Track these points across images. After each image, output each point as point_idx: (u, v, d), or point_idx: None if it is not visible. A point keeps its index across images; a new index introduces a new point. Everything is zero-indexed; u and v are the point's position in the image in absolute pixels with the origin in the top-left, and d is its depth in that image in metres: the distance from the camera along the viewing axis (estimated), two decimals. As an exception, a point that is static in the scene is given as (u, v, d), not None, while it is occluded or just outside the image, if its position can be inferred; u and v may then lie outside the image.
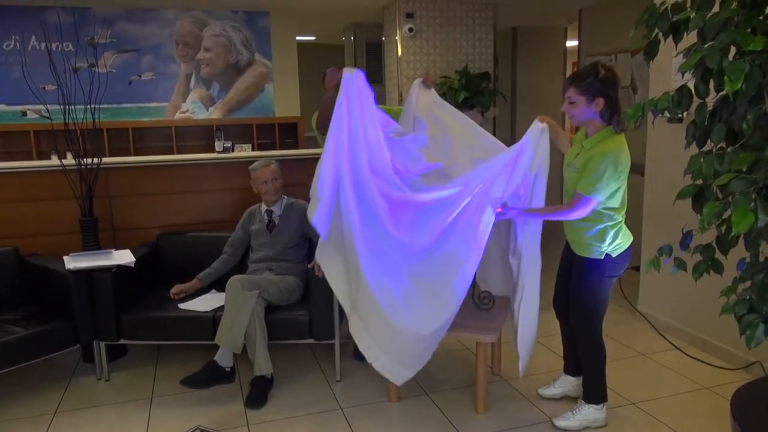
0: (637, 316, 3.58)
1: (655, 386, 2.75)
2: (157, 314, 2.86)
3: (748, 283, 1.24)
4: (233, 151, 5.74)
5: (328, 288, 2.63)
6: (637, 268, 3.66)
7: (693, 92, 1.26)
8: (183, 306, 2.90)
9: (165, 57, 5.78)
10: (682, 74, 1.23)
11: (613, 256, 2.21)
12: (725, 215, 1.19)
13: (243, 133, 6.03)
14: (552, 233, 2.67)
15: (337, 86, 2.20)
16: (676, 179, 3.21)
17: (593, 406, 2.36)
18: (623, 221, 2.23)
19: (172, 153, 5.57)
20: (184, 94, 5.88)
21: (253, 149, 5.91)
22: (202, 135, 5.91)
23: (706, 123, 1.25)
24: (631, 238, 2.29)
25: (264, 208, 3.13)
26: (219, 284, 3.10)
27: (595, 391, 2.35)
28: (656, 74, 3.32)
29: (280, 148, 5.98)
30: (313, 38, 8.89)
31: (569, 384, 2.60)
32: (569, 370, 2.60)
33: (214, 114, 6.03)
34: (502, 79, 7.65)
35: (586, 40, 5.55)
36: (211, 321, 2.77)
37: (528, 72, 7.68)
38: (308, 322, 2.77)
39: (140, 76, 5.71)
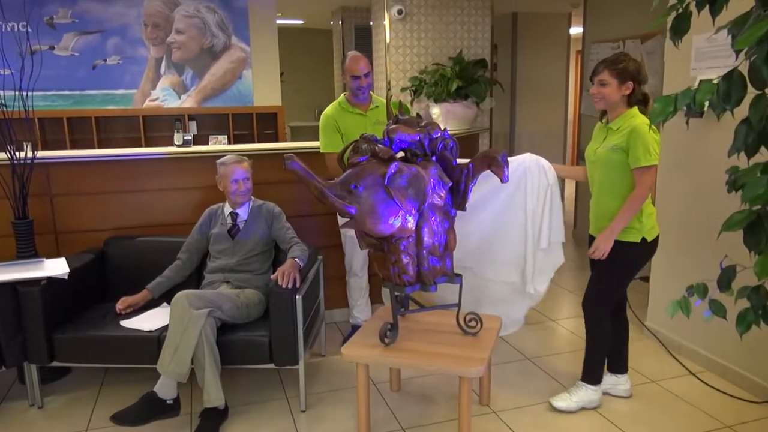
0: (645, 332, 3.27)
1: (667, 422, 2.43)
2: (95, 334, 2.53)
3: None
4: (209, 143, 5.41)
5: (292, 304, 2.30)
6: (647, 279, 3.34)
7: (747, 80, 0.93)
8: (126, 324, 2.57)
9: (132, 39, 5.42)
10: (736, 54, 0.90)
11: (649, 240, 2.30)
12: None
13: (218, 123, 5.69)
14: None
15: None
16: (692, 185, 2.91)
17: (590, 387, 2.47)
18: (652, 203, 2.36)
19: (140, 145, 5.23)
20: (153, 80, 5.53)
21: (229, 141, 5.59)
22: (175, 125, 5.55)
23: (765, 123, 0.92)
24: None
25: (228, 209, 2.80)
26: (172, 295, 2.79)
27: (593, 372, 2.47)
28: (673, 62, 2.99)
29: (258, 140, 5.64)
30: (301, 22, 8.53)
31: (609, 383, 2.60)
32: (615, 368, 2.60)
33: (186, 102, 5.67)
34: (502, 67, 7.31)
35: (591, 26, 5.20)
36: (156, 342, 2.45)
37: (529, 60, 7.36)
38: (268, 344, 2.44)
39: (105, 60, 5.36)
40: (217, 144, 5.44)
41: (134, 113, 5.37)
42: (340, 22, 7.11)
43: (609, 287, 2.38)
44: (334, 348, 3.07)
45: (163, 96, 5.58)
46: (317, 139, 3.06)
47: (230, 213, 2.80)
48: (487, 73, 5.21)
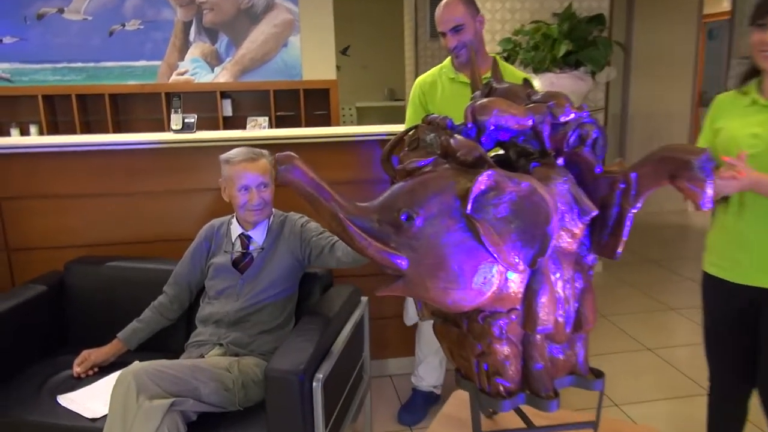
0: None
1: None
2: (19, 416, 1.79)
3: None
4: (246, 127, 4.68)
5: (303, 396, 1.48)
6: None
7: None
8: (65, 402, 1.83)
9: (156, 1, 4.73)
10: None
11: None
12: None
13: (258, 101, 4.99)
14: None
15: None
16: None
17: None
18: None
19: (163, 129, 4.58)
20: (181, 49, 4.90)
21: (270, 124, 4.83)
22: (206, 104, 4.87)
23: None
24: None
25: (237, 229, 2.00)
26: (154, 346, 2.12)
27: None
28: None
29: (307, 123, 4.86)
30: (365, -18, 7.71)
31: None
32: None
33: (221, 76, 5.00)
34: (616, 29, 6.18)
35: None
36: (97, 439, 1.68)
37: (649, 24, 6.28)
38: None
39: (123, 26, 4.79)
40: (257, 128, 4.70)
41: (157, 89, 4.72)
42: (412, -21, 6.23)
43: None
44: (386, 418, 2.42)
45: (193, 69, 4.94)
46: (392, 122, 2.37)
47: (240, 235, 1.99)
48: (606, 32, 4.13)
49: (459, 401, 1.83)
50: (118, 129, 4.68)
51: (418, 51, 6.57)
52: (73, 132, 4.46)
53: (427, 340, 2.51)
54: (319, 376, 1.58)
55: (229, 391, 1.72)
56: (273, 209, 2.04)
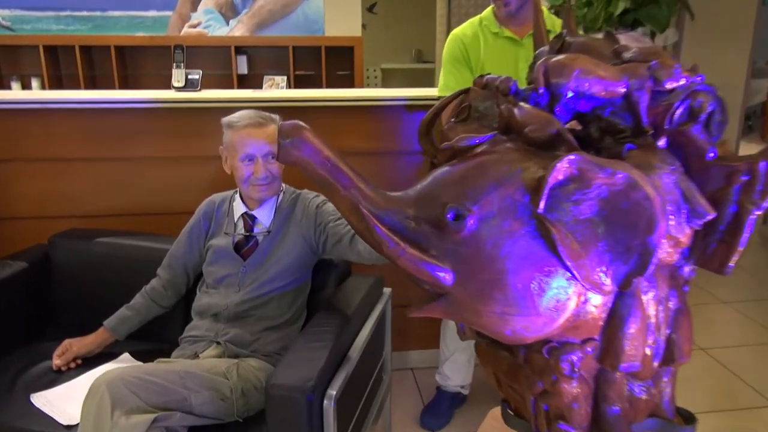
0: None
1: None
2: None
3: None
4: (262, 86, 4.39)
5: (310, 417, 1.22)
6: None
7: None
8: (38, 401, 1.62)
9: (168, -57, 4.44)
10: None
11: None
12: None
13: (276, 58, 4.67)
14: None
15: None
16: None
17: None
18: None
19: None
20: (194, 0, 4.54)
21: (289, 84, 4.53)
22: (219, 60, 4.57)
23: None
24: None
25: (240, 207, 1.74)
26: (147, 335, 1.88)
27: None
28: None
29: (328, 85, 4.55)
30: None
31: None
32: None
33: (237, 30, 4.67)
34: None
35: None
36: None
37: None
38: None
39: (132, -29, 4.43)
40: (274, 88, 4.40)
41: (167, 42, 4.42)
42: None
43: None
44: (406, 420, 2.22)
45: (207, 21, 4.64)
46: (419, 85, 2.05)
47: (243, 215, 1.73)
48: (668, -12, 3.72)
49: (497, 423, 1.57)
50: (125, 85, 4.43)
51: (451, 9, 6.16)
52: (77, 87, 4.21)
53: (454, 334, 2.24)
54: (332, 392, 1.32)
55: (226, 400, 1.48)
56: (283, 185, 1.77)
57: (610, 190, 0.82)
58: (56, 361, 1.76)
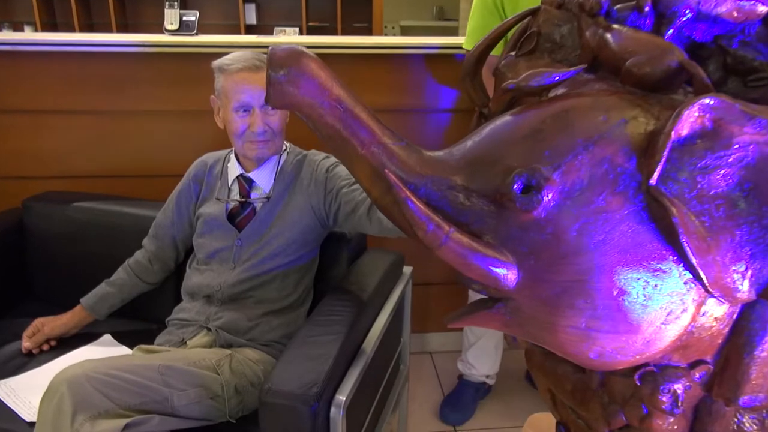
0: None
1: None
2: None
3: None
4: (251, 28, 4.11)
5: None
6: None
7: None
8: (1, 390, 1.42)
9: None
10: None
11: None
12: None
13: (288, 8, 4.37)
14: None
15: None
16: None
17: None
18: None
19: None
20: (199, -59, 4.23)
21: (301, 34, 4.25)
22: (226, 8, 4.28)
23: None
24: None
25: (236, 168, 1.50)
26: (133, 314, 1.70)
27: None
28: None
29: (343, 33, 4.26)
30: None
31: None
32: None
33: (245, -25, 4.35)
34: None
35: None
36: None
37: None
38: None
39: None
40: (283, 34, 4.13)
41: (168, -11, 4.13)
42: None
43: None
44: (423, 411, 2.02)
45: (213, -35, 4.29)
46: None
47: (238, 177, 1.49)
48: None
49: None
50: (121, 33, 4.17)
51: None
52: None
53: None
54: (341, 398, 1.09)
55: (217, 399, 1.26)
56: (287, 144, 1.52)
57: (761, 153, 0.55)
58: (25, 343, 1.55)
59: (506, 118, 0.62)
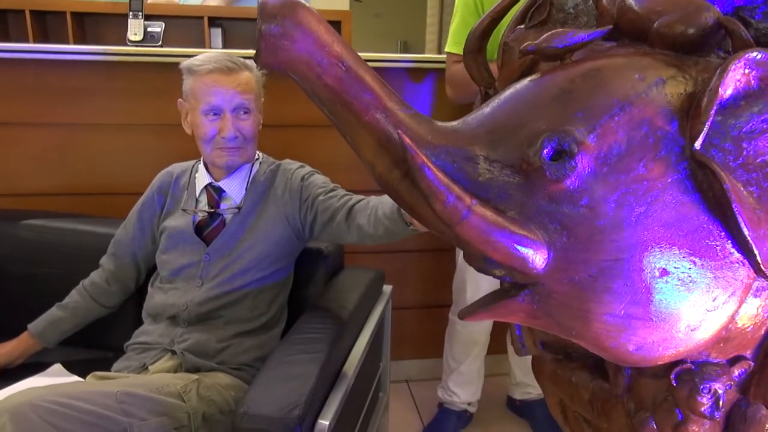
0: None
1: None
2: None
3: None
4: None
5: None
6: None
7: None
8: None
9: None
10: None
11: None
12: None
13: (254, 33, 4.28)
14: None
15: None
16: None
17: None
18: None
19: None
20: (163, -37, 4.16)
21: (267, 61, 4.21)
22: (191, 33, 4.20)
23: None
24: None
25: (204, 177, 1.41)
26: (86, 341, 1.55)
27: None
28: None
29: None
30: None
31: None
32: None
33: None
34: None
35: None
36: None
37: None
38: None
39: (92, -72, 4.03)
40: (250, 64, 4.09)
41: (124, 10, 4.03)
42: None
43: None
44: None
45: (177, -12, 4.22)
46: None
47: (207, 187, 1.39)
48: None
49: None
50: (83, 57, 4.05)
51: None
52: (26, 57, 3.83)
53: (464, 340, 1.93)
54: (325, 423, 1.00)
55: (182, 429, 1.14)
56: (259, 153, 1.43)
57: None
58: (-33, 367, 1.40)
59: (527, 81, 0.56)
